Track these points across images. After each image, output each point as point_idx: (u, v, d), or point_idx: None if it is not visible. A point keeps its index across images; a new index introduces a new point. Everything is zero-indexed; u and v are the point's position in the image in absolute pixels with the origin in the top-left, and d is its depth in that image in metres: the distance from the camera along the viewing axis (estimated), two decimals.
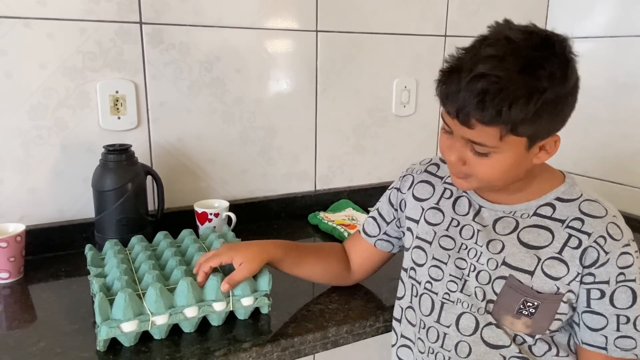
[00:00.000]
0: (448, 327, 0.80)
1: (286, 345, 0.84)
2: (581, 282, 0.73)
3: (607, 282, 0.72)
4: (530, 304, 0.74)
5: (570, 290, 0.73)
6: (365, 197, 1.54)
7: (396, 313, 0.90)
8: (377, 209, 0.98)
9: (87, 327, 0.86)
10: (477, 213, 0.82)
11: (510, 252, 0.77)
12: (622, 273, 0.72)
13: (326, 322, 0.89)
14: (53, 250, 1.16)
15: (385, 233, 0.96)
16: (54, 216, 1.18)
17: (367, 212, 1.48)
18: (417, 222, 0.89)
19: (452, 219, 0.84)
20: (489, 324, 0.77)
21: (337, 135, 1.49)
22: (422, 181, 0.91)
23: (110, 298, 0.81)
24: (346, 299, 0.98)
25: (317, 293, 1.00)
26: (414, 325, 0.86)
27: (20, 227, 1.04)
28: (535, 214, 0.77)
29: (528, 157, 0.72)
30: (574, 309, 0.76)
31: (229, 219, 1.23)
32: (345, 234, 1.27)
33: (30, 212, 1.15)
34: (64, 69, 1.12)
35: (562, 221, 0.75)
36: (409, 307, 0.87)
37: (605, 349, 0.74)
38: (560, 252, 0.74)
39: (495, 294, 0.76)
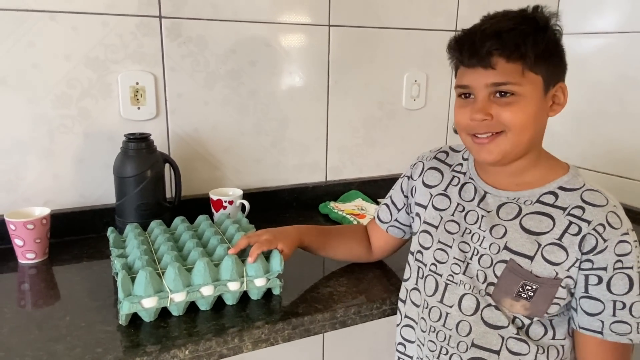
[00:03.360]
0: (450, 307, 0.84)
1: (296, 323, 0.89)
2: (579, 268, 0.76)
3: (605, 269, 0.74)
4: (529, 288, 0.77)
5: (568, 276, 0.76)
6: (374, 188, 1.57)
7: (402, 294, 0.94)
8: (390, 197, 1.03)
9: (109, 305, 0.91)
10: (482, 199, 0.85)
11: (512, 237, 0.80)
12: (619, 260, 0.74)
13: (335, 304, 0.94)
14: (76, 234, 1.21)
15: (396, 220, 1.02)
16: (76, 201, 1.24)
17: (377, 202, 1.51)
18: (425, 207, 0.93)
19: (458, 204, 0.88)
20: (489, 305, 0.80)
21: (348, 128, 1.53)
22: (431, 168, 0.95)
23: (132, 276, 0.86)
24: (354, 282, 1.02)
25: (327, 276, 1.04)
26: (417, 306, 0.90)
27: (45, 211, 1.10)
28: (538, 201, 0.80)
29: (546, 105, 0.78)
30: (572, 294, 0.78)
31: (243, 206, 1.28)
32: (355, 223, 1.31)
33: (54, 197, 1.21)
34: (87, 61, 1.18)
35: (564, 209, 0.78)
36: (414, 288, 0.91)
37: (601, 333, 0.76)
38: (560, 239, 0.76)
39: (496, 276, 0.80)
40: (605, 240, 0.74)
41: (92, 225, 1.23)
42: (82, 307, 0.91)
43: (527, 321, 0.79)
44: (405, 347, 0.93)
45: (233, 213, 1.25)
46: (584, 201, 0.77)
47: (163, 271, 0.88)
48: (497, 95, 0.77)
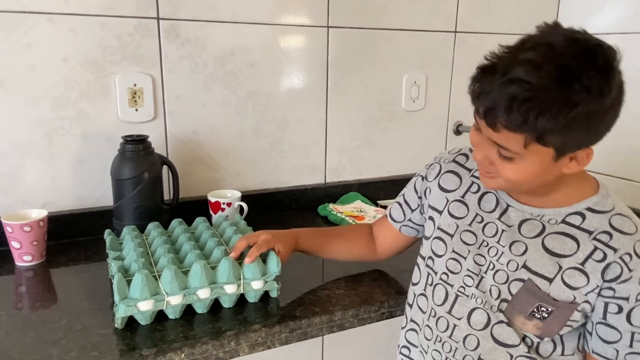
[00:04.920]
0: (459, 319, 0.81)
1: (294, 327, 0.88)
2: (599, 295, 0.72)
3: (627, 299, 0.71)
4: (544, 309, 0.74)
5: (586, 301, 0.73)
6: (374, 190, 1.57)
7: (409, 298, 0.92)
8: (403, 195, 1.00)
9: (105, 307, 0.91)
10: (504, 212, 0.81)
11: (532, 256, 0.76)
12: None
13: (332, 307, 0.93)
14: (73, 236, 1.21)
15: (410, 220, 0.99)
16: (74, 203, 1.23)
17: (376, 204, 1.51)
18: (440, 212, 0.89)
19: (477, 214, 0.83)
20: (500, 322, 0.77)
21: (347, 129, 1.53)
22: (449, 171, 0.90)
23: (128, 278, 0.85)
24: (353, 285, 1.01)
25: (325, 279, 1.03)
26: (424, 312, 0.88)
27: (43, 213, 1.09)
28: (563, 221, 0.76)
29: (556, 166, 0.71)
30: (586, 316, 0.75)
31: (241, 208, 1.27)
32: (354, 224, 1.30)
33: (52, 199, 1.21)
34: (84, 63, 1.17)
35: (590, 232, 0.73)
36: (422, 294, 0.88)
37: None
38: (583, 264, 0.73)
39: (511, 294, 0.76)
40: (630, 270, 0.70)
41: (89, 228, 1.22)
42: (78, 310, 0.90)
43: (536, 340, 0.77)
44: (409, 351, 0.91)
45: (231, 215, 1.25)
46: (612, 227, 0.73)
47: (159, 274, 0.87)
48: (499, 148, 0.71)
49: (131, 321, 0.85)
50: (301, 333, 0.89)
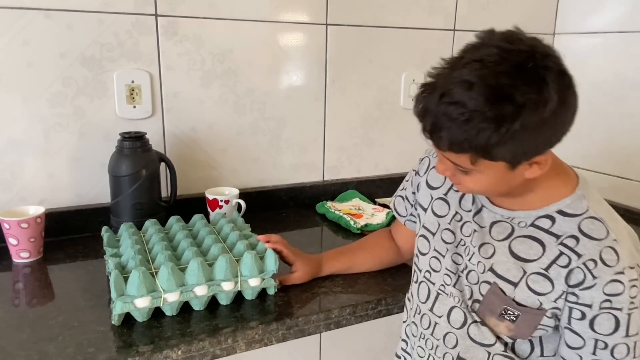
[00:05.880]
0: (440, 317, 0.82)
1: (291, 324, 0.88)
2: (566, 300, 0.71)
3: (590, 306, 0.69)
4: (511, 313, 0.73)
5: (555, 307, 0.72)
6: (372, 188, 1.57)
7: (408, 292, 0.93)
8: (404, 189, 0.99)
9: (102, 304, 0.90)
10: (478, 212, 0.81)
11: (498, 259, 0.75)
12: (608, 300, 0.68)
13: (330, 304, 0.93)
14: (70, 233, 1.21)
15: (411, 214, 0.98)
16: (72, 200, 1.23)
17: (374, 202, 1.51)
18: (425, 210, 0.90)
19: (456, 212, 0.84)
20: (475, 321, 0.78)
21: (346, 127, 1.52)
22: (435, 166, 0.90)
23: (124, 275, 0.85)
24: (350, 283, 1.01)
25: (323, 276, 1.03)
26: (411, 309, 0.89)
27: (40, 209, 1.09)
28: (532, 224, 0.74)
29: (516, 174, 0.69)
30: (559, 321, 0.74)
31: (239, 206, 1.27)
32: (352, 222, 1.30)
33: (49, 196, 1.21)
34: (82, 59, 1.17)
35: (558, 236, 0.71)
36: (411, 291, 0.90)
37: None
38: (546, 269, 0.71)
39: (481, 295, 0.77)
40: (594, 277, 0.68)
41: (87, 225, 1.22)
42: (75, 306, 0.90)
43: (511, 340, 0.76)
44: (406, 344, 0.92)
45: (229, 212, 1.24)
46: (580, 231, 0.70)
47: (156, 271, 0.87)
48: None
49: (128, 318, 0.85)
50: (298, 330, 0.89)
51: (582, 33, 1.67)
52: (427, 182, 0.91)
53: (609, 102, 1.59)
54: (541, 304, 0.72)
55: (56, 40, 1.14)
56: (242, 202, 1.27)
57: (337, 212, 1.37)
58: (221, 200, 1.24)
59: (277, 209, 1.44)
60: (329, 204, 1.44)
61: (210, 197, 1.25)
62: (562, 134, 0.68)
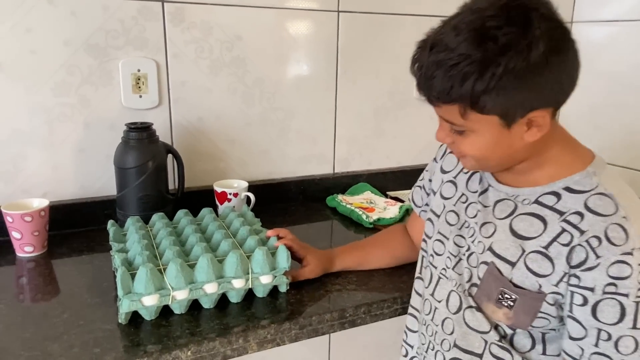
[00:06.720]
0: (439, 302, 0.79)
1: (304, 323, 0.85)
2: (568, 284, 0.65)
3: (592, 290, 0.63)
4: (508, 296, 0.69)
5: (556, 292, 0.66)
6: (384, 181, 1.53)
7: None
8: (422, 179, 0.97)
9: (108, 301, 0.87)
10: (484, 192, 0.78)
11: (498, 238, 0.72)
12: (612, 284, 0.61)
13: (344, 302, 0.90)
14: (75, 226, 1.18)
15: (426, 204, 0.95)
16: (76, 192, 1.20)
17: (386, 195, 1.47)
18: (435, 193, 0.88)
19: (463, 194, 0.81)
20: (470, 306, 0.74)
21: (357, 118, 1.48)
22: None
23: (132, 272, 0.82)
24: (364, 280, 0.98)
25: (336, 273, 1.00)
26: (420, 295, 0.87)
27: (44, 202, 1.06)
28: (536, 201, 0.69)
29: (514, 135, 0.65)
30: (562, 310, 0.68)
31: (248, 199, 1.24)
32: (364, 216, 1.27)
33: (53, 189, 1.17)
34: (87, 47, 1.13)
35: (562, 213, 0.66)
36: (419, 277, 0.88)
37: None
38: (546, 247, 0.66)
39: (479, 278, 0.73)
40: (598, 257, 0.62)
41: (92, 218, 1.19)
42: (80, 303, 0.87)
43: (509, 331, 0.72)
44: (406, 336, 0.90)
45: (238, 206, 1.21)
46: (586, 207, 0.65)
47: (164, 267, 0.84)
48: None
49: (135, 316, 0.82)
50: (312, 330, 0.86)
51: (599, 21, 1.62)
52: (441, 167, 0.89)
53: (627, 93, 1.54)
54: (540, 286, 0.67)
55: (60, 28, 1.10)
56: (252, 196, 1.23)
57: (348, 206, 1.33)
58: (230, 193, 1.20)
59: (286, 202, 1.41)
60: (340, 197, 1.40)
61: (218, 189, 1.21)
62: (561, 92, 0.64)
